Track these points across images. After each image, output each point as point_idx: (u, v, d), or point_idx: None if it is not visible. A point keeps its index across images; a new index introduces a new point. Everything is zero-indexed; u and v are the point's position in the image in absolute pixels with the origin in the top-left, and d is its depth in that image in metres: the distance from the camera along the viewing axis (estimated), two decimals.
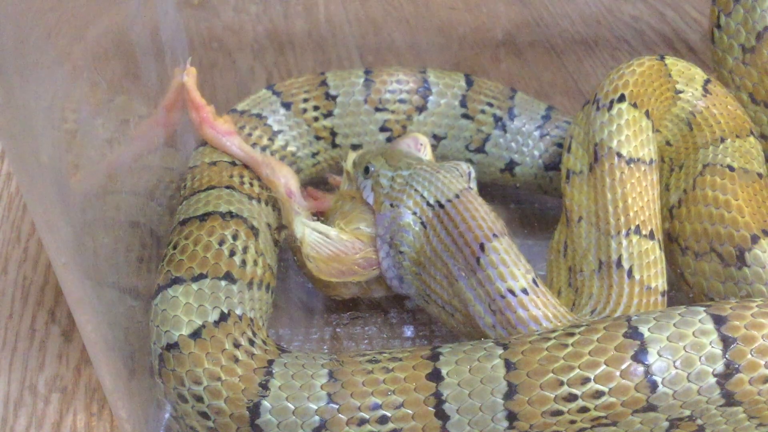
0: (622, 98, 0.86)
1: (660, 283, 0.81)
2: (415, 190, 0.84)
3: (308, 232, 0.85)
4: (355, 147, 1.05)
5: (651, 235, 0.82)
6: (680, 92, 0.91)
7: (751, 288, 0.78)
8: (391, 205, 0.85)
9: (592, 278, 0.83)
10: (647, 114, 0.86)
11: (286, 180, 0.93)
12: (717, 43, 0.92)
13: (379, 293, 0.91)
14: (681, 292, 0.89)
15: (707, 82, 0.92)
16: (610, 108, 0.86)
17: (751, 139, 0.89)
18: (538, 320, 0.75)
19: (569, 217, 0.87)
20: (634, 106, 0.86)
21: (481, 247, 0.78)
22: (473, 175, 0.89)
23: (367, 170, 0.90)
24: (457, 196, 0.82)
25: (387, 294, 0.91)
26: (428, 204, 0.83)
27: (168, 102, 0.94)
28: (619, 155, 0.83)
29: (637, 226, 0.82)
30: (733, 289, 0.80)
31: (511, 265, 0.77)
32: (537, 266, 0.97)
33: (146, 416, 0.78)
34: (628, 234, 0.81)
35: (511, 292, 0.76)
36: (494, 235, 0.78)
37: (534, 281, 0.77)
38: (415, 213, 0.84)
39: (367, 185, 0.89)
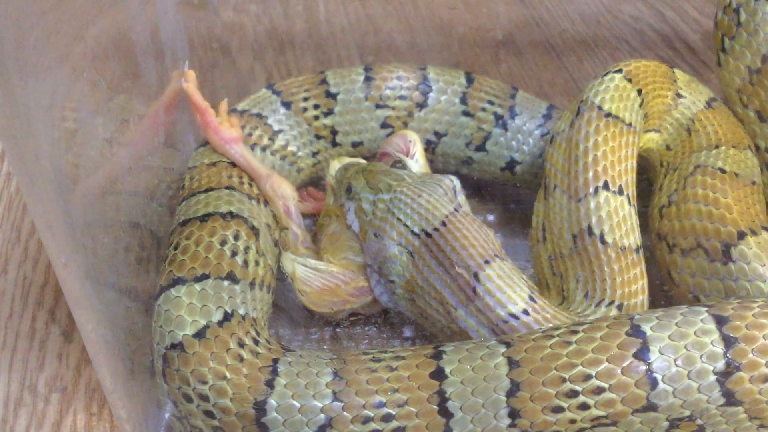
0: (618, 71, 0.89)
1: (632, 240, 0.82)
2: (398, 219, 0.82)
3: (298, 267, 0.85)
4: (355, 145, 1.05)
5: (620, 191, 0.83)
6: (682, 97, 0.93)
7: (735, 284, 0.79)
8: (375, 235, 0.84)
9: (572, 258, 0.83)
10: (639, 92, 0.88)
11: (285, 200, 0.92)
12: (723, 65, 0.94)
13: (374, 310, 0.91)
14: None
15: (712, 99, 0.95)
16: (604, 75, 0.89)
17: (748, 152, 0.91)
18: None
19: (547, 185, 0.88)
20: (629, 80, 0.88)
21: (475, 276, 0.77)
22: (458, 187, 0.88)
23: (349, 190, 0.88)
24: (444, 224, 0.80)
25: (383, 308, 0.91)
26: (413, 233, 0.81)
27: (164, 103, 0.94)
28: (600, 108, 0.85)
29: (606, 182, 0.82)
30: (717, 286, 0.80)
31: (507, 289, 0.77)
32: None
33: (146, 416, 0.78)
34: (596, 192, 0.82)
35: (513, 316, 0.76)
36: (486, 261, 0.78)
37: (531, 298, 0.77)
38: (400, 243, 0.82)
39: (350, 208, 0.88)
